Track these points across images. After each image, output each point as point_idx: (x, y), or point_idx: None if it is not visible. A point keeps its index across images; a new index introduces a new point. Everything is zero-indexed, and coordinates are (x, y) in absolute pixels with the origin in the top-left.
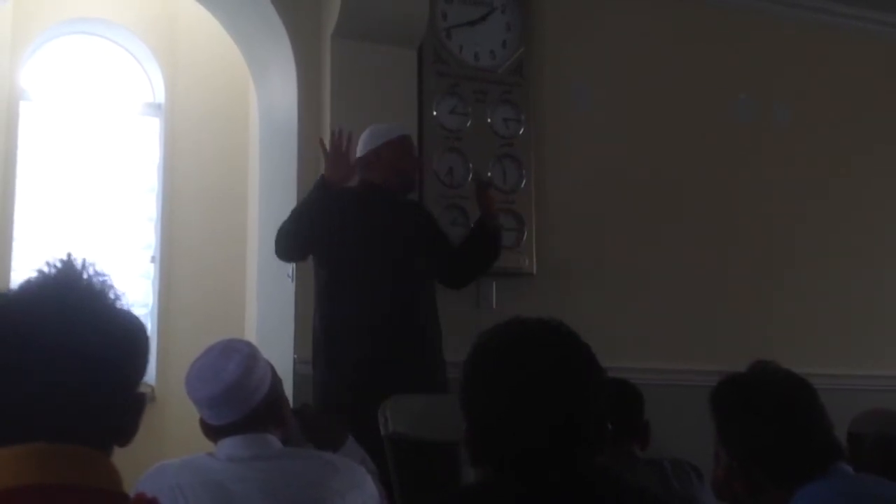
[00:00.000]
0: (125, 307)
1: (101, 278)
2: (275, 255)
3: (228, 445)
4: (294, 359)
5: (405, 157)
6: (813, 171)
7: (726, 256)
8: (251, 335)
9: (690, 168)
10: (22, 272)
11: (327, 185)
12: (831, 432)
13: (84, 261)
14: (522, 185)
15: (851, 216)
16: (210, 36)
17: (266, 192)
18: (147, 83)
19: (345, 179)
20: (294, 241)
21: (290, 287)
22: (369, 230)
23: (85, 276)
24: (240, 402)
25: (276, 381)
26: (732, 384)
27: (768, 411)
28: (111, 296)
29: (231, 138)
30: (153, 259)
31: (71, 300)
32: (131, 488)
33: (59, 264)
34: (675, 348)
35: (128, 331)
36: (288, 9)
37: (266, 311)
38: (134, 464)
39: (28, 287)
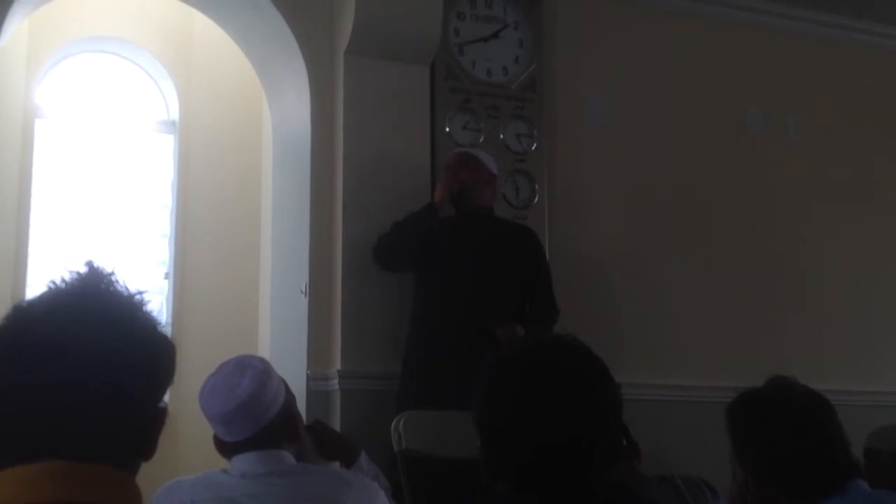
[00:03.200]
0: (150, 317)
1: (123, 286)
2: (288, 273)
3: (242, 461)
4: (307, 375)
5: (452, 172)
6: (830, 184)
7: (742, 271)
8: (264, 351)
9: (704, 182)
10: (37, 289)
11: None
12: (848, 449)
13: (105, 269)
14: (535, 201)
15: (870, 230)
16: (224, 54)
17: (279, 208)
18: (161, 101)
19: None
20: (390, 250)
21: (303, 303)
22: (442, 253)
23: (105, 284)
24: (253, 418)
25: (290, 398)
26: (750, 399)
27: (785, 427)
28: (134, 304)
29: (244, 155)
30: (167, 275)
31: (90, 308)
32: None
33: (79, 272)
34: (690, 364)
35: (149, 341)
36: (301, 26)
37: (279, 328)
38: (148, 480)
39: (47, 295)
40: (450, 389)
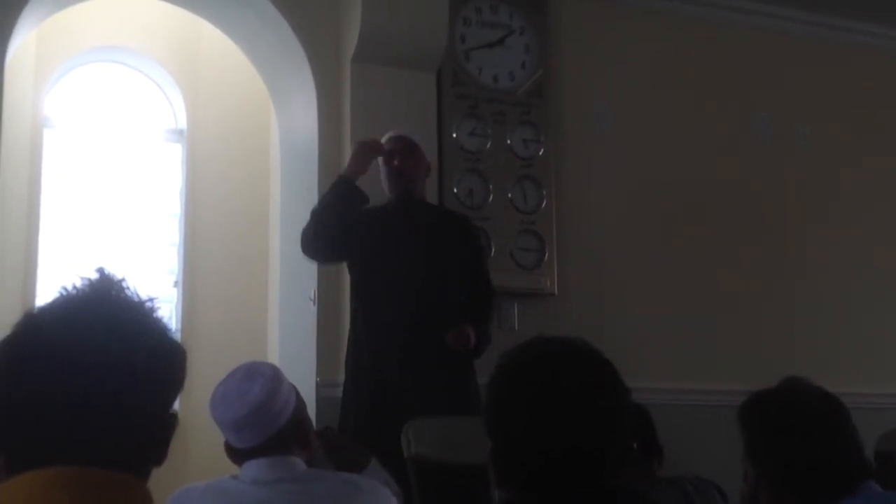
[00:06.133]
0: (160, 323)
1: (133, 292)
2: (297, 280)
3: (253, 468)
4: (317, 382)
5: (391, 156)
6: (837, 187)
7: (750, 275)
8: (274, 358)
9: (712, 187)
10: (46, 298)
11: (345, 176)
12: (861, 451)
13: (115, 275)
14: (543, 206)
15: (878, 232)
16: (231, 62)
17: (287, 216)
18: (169, 110)
19: (362, 169)
20: (316, 241)
21: (312, 310)
22: (382, 244)
23: (115, 290)
24: (264, 424)
25: (300, 404)
26: (762, 399)
27: (798, 428)
28: (145, 310)
29: (252, 163)
30: (176, 283)
31: (101, 314)
32: None
33: (90, 279)
34: (698, 368)
35: (160, 347)
36: (308, 34)
37: (288, 335)
38: (159, 486)
39: (57, 302)
40: (399, 390)
